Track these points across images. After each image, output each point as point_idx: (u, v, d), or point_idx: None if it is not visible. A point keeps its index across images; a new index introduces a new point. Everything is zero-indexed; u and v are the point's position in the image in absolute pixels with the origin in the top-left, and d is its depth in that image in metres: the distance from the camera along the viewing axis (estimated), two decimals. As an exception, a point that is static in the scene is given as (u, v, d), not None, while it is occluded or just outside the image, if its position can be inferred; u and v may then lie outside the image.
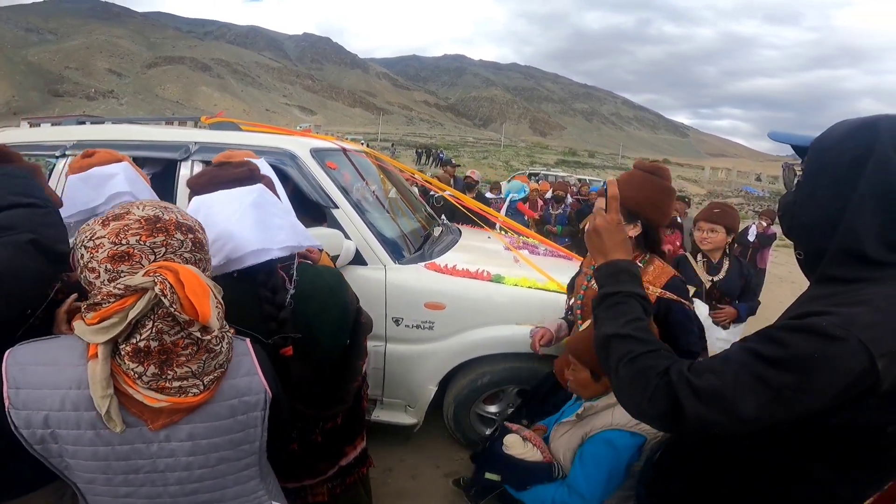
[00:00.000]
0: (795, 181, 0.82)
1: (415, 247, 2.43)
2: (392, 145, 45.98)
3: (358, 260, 2.10)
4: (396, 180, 3.07)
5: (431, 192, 4.24)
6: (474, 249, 2.75)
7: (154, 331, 0.72)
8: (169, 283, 0.71)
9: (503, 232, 3.59)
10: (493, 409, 2.44)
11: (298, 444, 1.23)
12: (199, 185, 1.17)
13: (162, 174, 2.61)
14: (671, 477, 1.02)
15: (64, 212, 1.39)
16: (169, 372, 0.75)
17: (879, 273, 0.71)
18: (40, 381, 0.75)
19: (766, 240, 6.38)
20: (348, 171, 2.44)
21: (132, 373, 0.74)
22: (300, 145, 2.24)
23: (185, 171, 2.27)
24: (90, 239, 0.75)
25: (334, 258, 1.99)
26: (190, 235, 0.81)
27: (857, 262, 0.72)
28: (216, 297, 0.77)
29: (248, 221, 1.08)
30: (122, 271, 0.74)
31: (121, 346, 0.73)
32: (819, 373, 0.64)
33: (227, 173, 1.17)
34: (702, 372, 0.71)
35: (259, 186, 1.16)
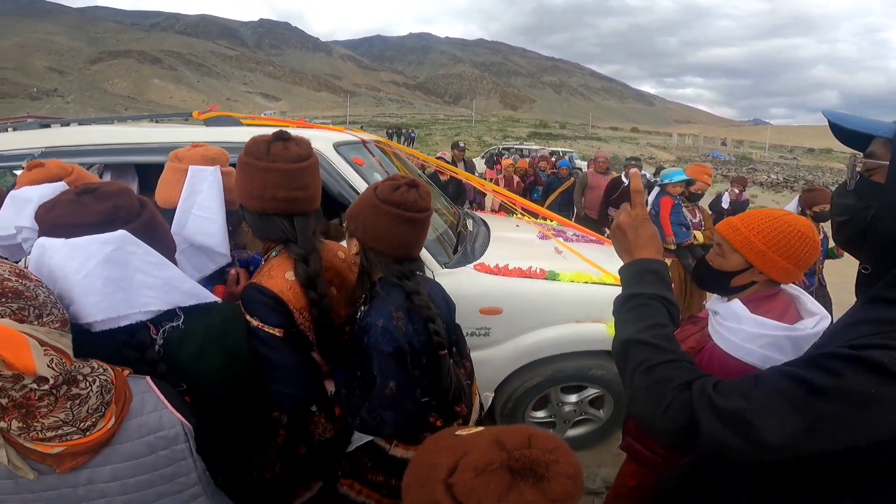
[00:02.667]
0: (857, 178, 0.69)
1: (452, 245, 2.20)
2: (361, 127, 44.83)
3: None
4: (413, 170, 2.81)
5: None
6: (511, 241, 2.54)
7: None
8: None
9: (521, 215, 3.38)
10: (541, 414, 2.30)
11: (233, 489, 1.12)
12: (44, 225, 0.90)
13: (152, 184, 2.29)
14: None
15: None
16: (35, 424, 0.73)
17: None
18: None
19: (739, 206, 6.27)
20: (373, 165, 2.16)
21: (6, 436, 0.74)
22: (321, 140, 1.94)
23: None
24: None
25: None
26: None
27: None
28: (48, 344, 0.73)
29: (97, 283, 0.85)
30: None
31: None
32: (873, 411, 0.57)
33: (91, 212, 0.89)
34: (728, 392, 0.65)
35: (121, 234, 0.88)
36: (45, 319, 0.76)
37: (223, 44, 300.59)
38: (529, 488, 0.57)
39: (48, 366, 0.71)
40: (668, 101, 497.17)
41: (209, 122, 2.23)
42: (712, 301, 1.22)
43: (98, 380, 0.78)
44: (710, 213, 3.96)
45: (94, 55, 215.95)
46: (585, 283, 2.09)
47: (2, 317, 0.71)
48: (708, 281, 1.19)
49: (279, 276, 1.14)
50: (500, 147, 23.58)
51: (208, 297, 1.00)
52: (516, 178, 6.70)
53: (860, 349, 0.60)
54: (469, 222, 2.66)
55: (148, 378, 0.87)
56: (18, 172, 2.21)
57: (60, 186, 1.30)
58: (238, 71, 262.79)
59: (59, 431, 0.74)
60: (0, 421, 0.72)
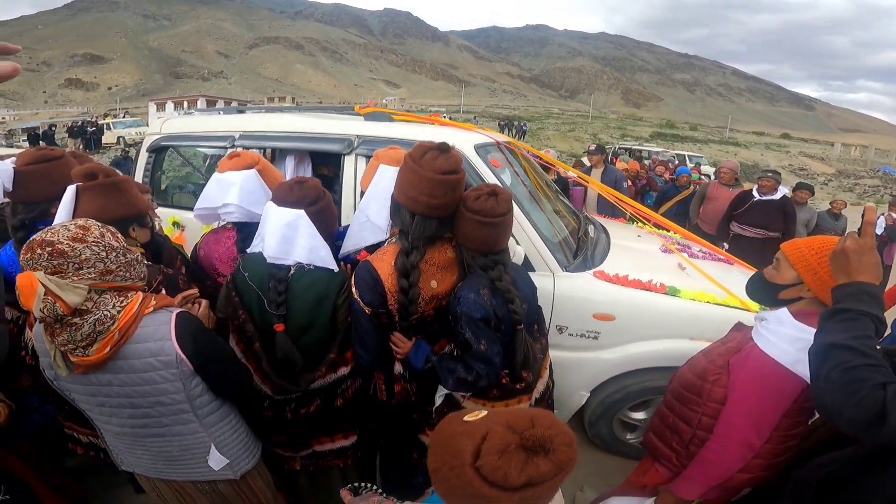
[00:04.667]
0: None
1: (572, 250, 2.28)
2: (475, 118, 45.30)
3: (524, 265, 1.99)
4: (538, 171, 2.91)
5: None
6: (631, 252, 2.54)
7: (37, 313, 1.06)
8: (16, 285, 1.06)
9: (638, 223, 3.29)
10: (639, 415, 2.31)
11: (273, 415, 1.49)
12: (274, 196, 1.48)
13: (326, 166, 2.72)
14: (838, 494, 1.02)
15: (198, 203, 1.80)
16: (55, 339, 1.10)
17: None
18: (40, 337, 1.16)
19: (894, 233, 5.30)
20: (507, 166, 2.32)
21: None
22: (463, 141, 2.15)
23: (349, 165, 2.30)
24: None
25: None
26: (48, 249, 1.06)
27: None
28: (54, 294, 1.04)
29: (277, 236, 1.38)
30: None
31: None
32: None
33: (293, 195, 1.44)
34: None
35: (299, 213, 1.41)
36: (82, 272, 1.08)
37: (353, 32, 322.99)
38: (542, 460, 0.72)
39: (41, 310, 1.04)
40: (832, 107, 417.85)
41: (368, 117, 2.56)
42: (761, 312, 1.31)
43: (93, 319, 1.10)
44: None
45: (251, 41, 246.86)
46: (707, 302, 2.04)
47: (41, 269, 1.05)
48: (757, 291, 1.30)
49: (388, 261, 1.39)
50: (617, 146, 22.13)
51: (332, 265, 1.45)
52: (628, 182, 6.36)
53: None
54: (590, 228, 2.71)
55: (174, 315, 1.19)
56: (230, 150, 2.70)
57: (253, 174, 1.73)
58: (365, 58, 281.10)
59: (67, 347, 1.10)
60: (46, 334, 1.12)
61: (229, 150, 2.62)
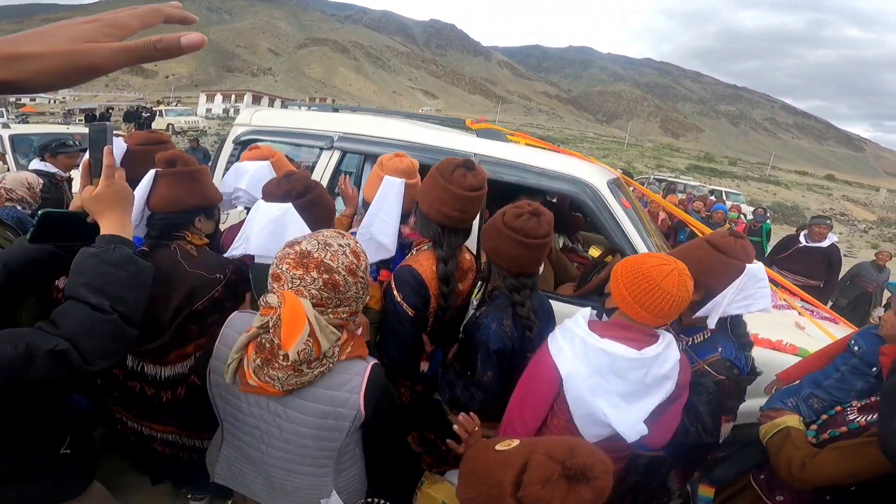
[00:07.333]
0: None
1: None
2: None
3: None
4: (641, 210, 2.86)
5: None
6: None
7: (271, 337, 0.94)
8: (279, 311, 0.92)
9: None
10: None
11: None
12: (263, 192, 1.45)
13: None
14: None
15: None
16: (268, 369, 0.96)
17: None
18: (225, 339, 1.08)
19: None
20: (632, 205, 2.28)
21: (249, 357, 0.99)
22: (597, 177, 2.12)
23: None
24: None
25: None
26: (325, 276, 0.93)
27: None
28: (315, 337, 0.92)
29: (264, 233, 1.32)
30: (274, 287, 0.97)
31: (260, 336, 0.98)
32: None
33: (280, 189, 1.41)
34: None
35: (287, 207, 1.36)
36: (340, 310, 0.97)
37: (398, 40, 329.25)
38: (584, 489, 0.71)
39: (299, 353, 0.91)
40: (882, 148, 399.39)
41: (480, 133, 2.48)
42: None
43: (327, 365, 0.99)
44: None
45: (301, 41, 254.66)
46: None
47: (319, 301, 0.94)
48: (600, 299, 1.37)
49: (429, 266, 1.44)
50: (652, 177, 21.57)
51: None
52: (662, 215, 6.10)
53: None
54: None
55: (371, 365, 1.05)
56: (326, 152, 2.50)
57: (266, 165, 1.81)
58: (406, 67, 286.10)
59: (270, 379, 0.98)
60: (255, 354, 0.97)
61: (324, 151, 2.46)
